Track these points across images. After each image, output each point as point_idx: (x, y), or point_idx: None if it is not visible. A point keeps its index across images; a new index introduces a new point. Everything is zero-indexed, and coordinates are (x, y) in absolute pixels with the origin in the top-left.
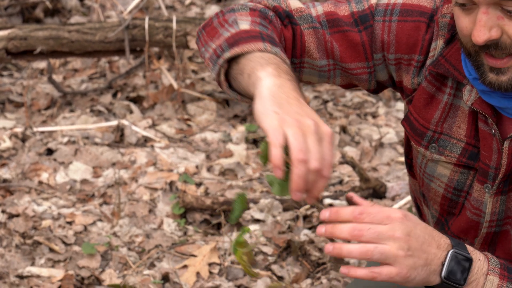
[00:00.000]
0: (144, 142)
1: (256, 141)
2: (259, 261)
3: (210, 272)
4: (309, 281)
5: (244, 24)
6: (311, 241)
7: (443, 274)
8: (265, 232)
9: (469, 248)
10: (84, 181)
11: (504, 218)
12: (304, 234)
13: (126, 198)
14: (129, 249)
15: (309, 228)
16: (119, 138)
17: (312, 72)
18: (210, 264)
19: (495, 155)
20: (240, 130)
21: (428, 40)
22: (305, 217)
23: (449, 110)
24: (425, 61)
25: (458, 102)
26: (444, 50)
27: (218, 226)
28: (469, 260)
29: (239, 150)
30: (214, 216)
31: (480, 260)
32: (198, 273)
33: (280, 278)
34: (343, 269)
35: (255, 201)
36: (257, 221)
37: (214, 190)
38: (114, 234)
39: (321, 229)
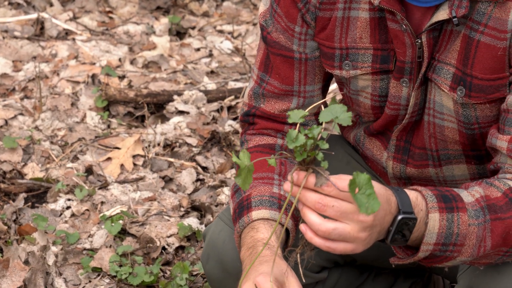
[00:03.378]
0: (65, 35)
1: (180, 32)
2: (184, 152)
3: (135, 164)
4: (233, 171)
5: None
6: (236, 132)
7: (388, 240)
8: (190, 123)
9: (411, 195)
10: (4, 75)
11: (423, 107)
12: (228, 125)
13: (48, 91)
14: (51, 142)
15: (234, 119)
16: (39, 31)
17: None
18: (134, 156)
19: (409, 49)
20: (163, 22)
21: None
22: (230, 108)
23: (347, 24)
24: (307, 3)
25: (355, 14)
26: None
27: (142, 118)
28: (414, 220)
29: (163, 42)
30: (138, 108)
31: (416, 200)
32: (122, 165)
33: (205, 169)
34: (302, 227)
35: (179, 93)
36: (181, 112)
37: (138, 83)
38: (36, 128)
39: (287, 186)
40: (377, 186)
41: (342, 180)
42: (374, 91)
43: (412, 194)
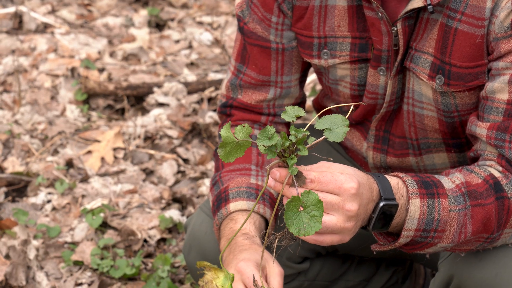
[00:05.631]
0: (44, 28)
1: (159, 24)
2: (164, 144)
3: (115, 157)
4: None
5: None
6: (216, 123)
7: (370, 226)
8: (170, 115)
9: (391, 181)
10: None
11: (401, 96)
12: (209, 116)
13: (27, 85)
14: (31, 136)
15: (214, 110)
16: (17, 25)
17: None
18: (114, 149)
19: (386, 37)
20: (142, 14)
21: None
22: (210, 100)
23: (325, 12)
24: None
25: (332, 2)
26: None
27: (122, 111)
28: (396, 206)
29: (142, 35)
30: (118, 101)
31: (397, 186)
32: (102, 158)
33: (186, 161)
34: None
35: (159, 85)
36: (161, 105)
37: (117, 75)
38: (16, 122)
39: (271, 182)
40: (360, 175)
41: (326, 173)
42: (353, 80)
43: (393, 180)
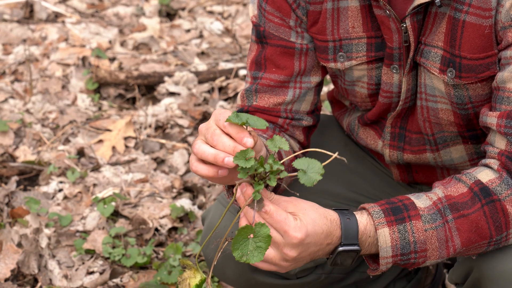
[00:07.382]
0: (54, 17)
1: (170, 14)
2: (175, 133)
3: (126, 146)
4: None
5: None
6: None
7: (328, 264)
8: (181, 105)
9: (361, 224)
10: None
11: (416, 93)
12: (219, 106)
13: (38, 74)
14: (43, 125)
15: (225, 100)
16: (28, 14)
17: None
18: (125, 138)
19: (396, 34)
20: (153, 3)
21: None
22: (221, 89)
23: (338, 15)
24: None
25: (344, 4)
26: None
27: (133, 100)
28: (356, 251)
29: (153, 24)
30: (129, 90)
31: (365, 229)
32: (113, 147)
33: None
34: None
35: (170, 75)
36: (172, 94)
37: (128, 65)
38: (27, 111)
39: (238, 196)
40: (318, 224)
41: (281, 212)
42: (370, 80)
43: (363, 221)
